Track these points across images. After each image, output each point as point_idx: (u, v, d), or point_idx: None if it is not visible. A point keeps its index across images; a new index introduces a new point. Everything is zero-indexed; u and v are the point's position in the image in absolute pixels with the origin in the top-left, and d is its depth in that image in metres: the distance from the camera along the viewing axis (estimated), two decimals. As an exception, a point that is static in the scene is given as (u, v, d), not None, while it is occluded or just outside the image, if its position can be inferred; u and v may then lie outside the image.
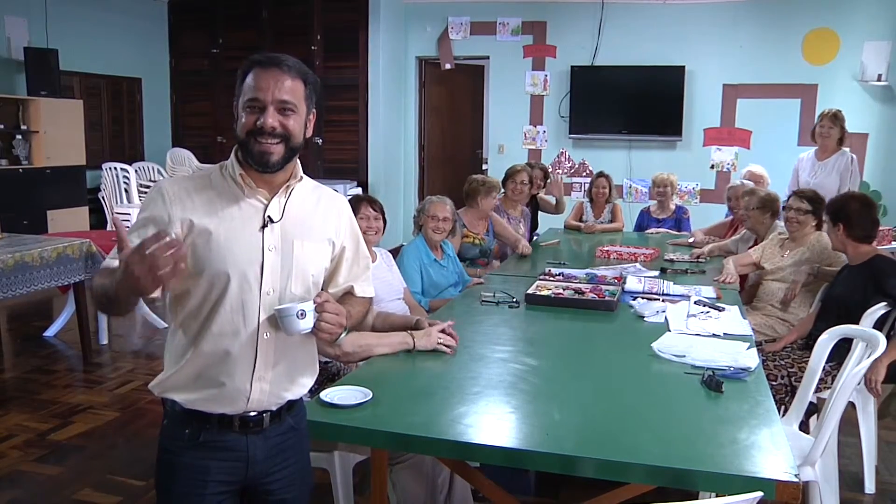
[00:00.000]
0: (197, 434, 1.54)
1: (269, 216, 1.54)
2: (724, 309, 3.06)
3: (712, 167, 7.86)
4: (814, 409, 2.98)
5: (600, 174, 5.83)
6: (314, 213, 1.63)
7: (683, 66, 7.63)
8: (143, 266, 1.26)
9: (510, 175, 5.19)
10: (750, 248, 4.20)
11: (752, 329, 2.91)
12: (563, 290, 3.32)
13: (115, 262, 1.42)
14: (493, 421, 1.92)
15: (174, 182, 1.55)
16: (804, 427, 2.83)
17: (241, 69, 1.53)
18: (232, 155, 1.58)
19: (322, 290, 1.65)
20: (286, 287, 1.55)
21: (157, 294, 1.45)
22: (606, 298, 3.17)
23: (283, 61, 1.51)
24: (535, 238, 5.35)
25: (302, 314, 1.49)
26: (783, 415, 2.76)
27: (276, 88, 1.49)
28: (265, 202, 1.56)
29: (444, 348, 2.40)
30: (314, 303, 1.52)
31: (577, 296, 3.23)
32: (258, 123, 1.49)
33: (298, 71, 1.53)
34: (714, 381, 2.13)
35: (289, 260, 1.56)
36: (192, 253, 1.48)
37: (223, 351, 1.52)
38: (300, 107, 1.53)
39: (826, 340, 2.68)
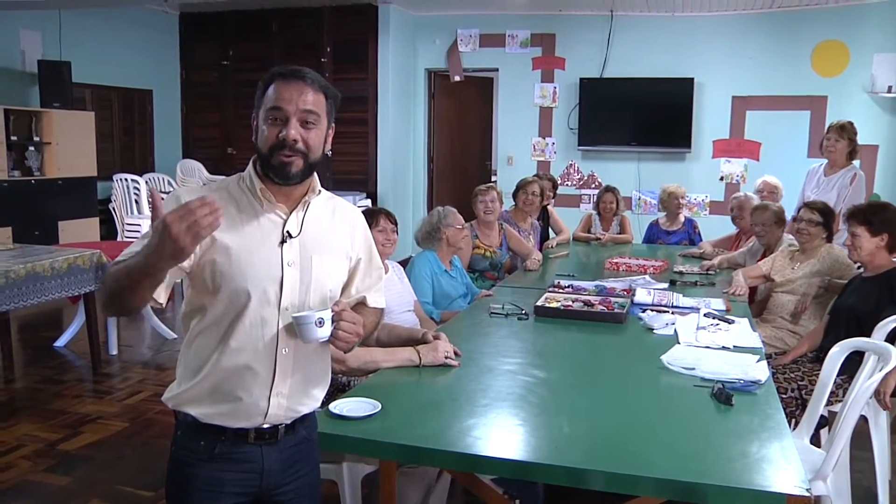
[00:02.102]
0: (212, 446, 1.54)
1: (287, 231, 1.54)
2: (733, 321, 3.05)
3: (721, 179, 7.85)
4: (825, 422, 2.96)
5: (607, 189, 5.83)
6: (330, 226, 1.63)
7: (692, 78, 7.64)
8: (183, 223, 1.24)
9: (522, 186, 5.20)
10: (758, 260, 4.18)
11: (762, 341, 2.90)
12: (573, 302, 3.32)
13: (136, 248, 1.41)
14: (501, 433, 1.92)
15: (191, 192, 1.51)
16: (815, 441, 2.81)
17: (262, 81, 1.53)
18: (250, 168, 1.57)
19: None
20: (304, 303, 1.55)
21: (161, 300, 1.45)
22: (616, 311, 3.17)
23: (305, 74, 1.51)
24: (544, 249, 5.34)
25: (320, 322, 1.49)
26: (794, 428, 2.74)
27: (300, 100, 1.49)
28: (284, 217, 1.55)
29: (452, 362, 2.40)
30: (332, 311, 1.52)
31: (586, 308, 3.23)
32: (281, 136, 1.48)
33: (321, 84, 1.53)
34: (724, 393, 2.12)
35: (307, 275, 1.55)
36: (211, 269, 1.48)
37: (241, 366, 1.51)
38: (322, 120, 1.53)
39: (837, 353, 2.67)
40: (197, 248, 1.45)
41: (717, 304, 3.41)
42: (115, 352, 5.00)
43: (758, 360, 2.49)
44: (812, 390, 2.82)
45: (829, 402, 2.85)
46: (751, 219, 4.35)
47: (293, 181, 1.53)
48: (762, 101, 7.59)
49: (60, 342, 5.17)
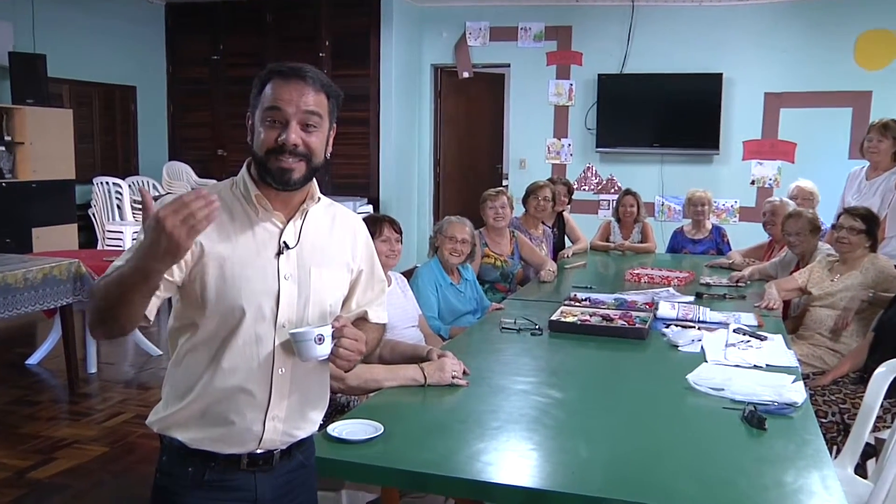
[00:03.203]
0: (201, 473, 1.54)
1: (284, 242, 1.55)
2: (766, 338, 3.04)
3: (753, 183, 7.84)
4: (872, 451, 2.93)
5: (627, 192, 5.85)
6: (330, 236, 1.63)
7: (721, 74, 7.65)
8: (177, 216, 1.25)
9: (532, 191, 5.21)
10: (793, 271, 4.17)
11: (798, 360, 2.90)
12: (590, 316, 3.32)
13: (123, 262, 1.40)
14: (514, 458, 1.92)
15: None
16: (861, 471, 2.78)
17: (259, 79, 1.53)
18: (244, 172, 1.57)
19: None
20: (303, 318, 1.55)
21: (151, 316, 1.46)
22: (637, 326, 3.16)
23: (306, 72, 1.51)
24: (559, 259, 5.34)
25: (320, 339, 1.49)
26: (835, 456, 2.73)
27: (300, 102, 1.49)
28: (281, 226, 1.56)
29: (459, 381, 2.41)
30: (332, 327, 1.52)
31: (604, 323, 3.22)
32: (280, 140, 1.48)
33: (322, 83, 1.53)
34: (756, 417, 2.12)
35: (306, 289, 1.56)
36: (202, 282, 1.48)
37: (234, 387, 1.51)
38: (323, 122, 1.54)
39: (883, 374, 2.65)
40: (189, 257, 1.46)
41: (748, 318, 3.40)
42: (93, 370, 5.00)
43: (794, 381, 2.48)
44: (855, 414, 2.81)
45: (875, 428, 2.83)
46: (782, 228, 4.34)
47: (294, 187, 1.53)
48: (798, 98, 7.58)
49: (33, 359, 5.18)
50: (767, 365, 2.70)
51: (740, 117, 7.75)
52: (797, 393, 2.34)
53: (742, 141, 7.82)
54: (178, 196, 1.28)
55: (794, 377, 2.53)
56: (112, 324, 1.40)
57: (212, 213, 1.28)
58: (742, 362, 2.72)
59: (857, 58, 7.39)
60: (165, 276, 1.41)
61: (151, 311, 1.45)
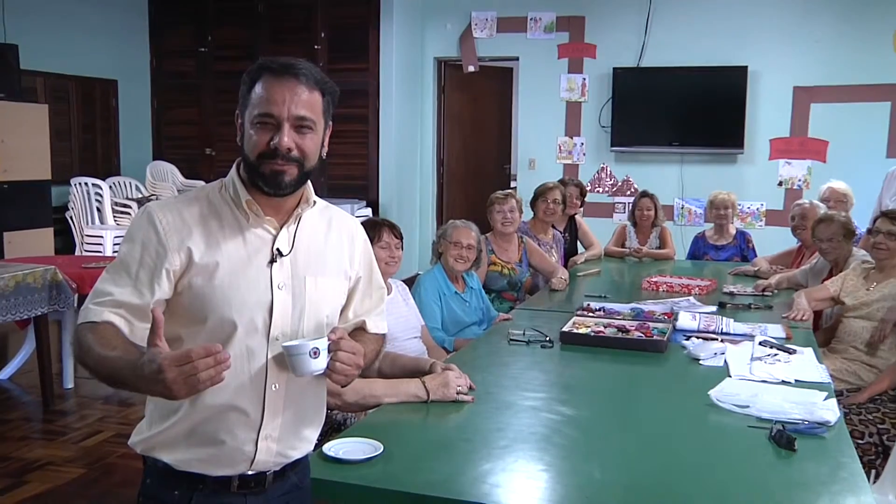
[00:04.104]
0: (188, 496, 1.54)
1: (277, 249, 1.55)
2: (795, 351, 3.04)
3: (780, 184, 7.83)
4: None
5: (644, 194, 5.85)
6: (326, 242, 1.64)
7: (746, 67, 7.64)
8: (180, 373, 1.28)
9: (540, 193, 5.22)
10: (824, 279, 4.17)
11: (831, 375, 2.89)
12: (605, 327, 3.32)
13: (113, 317, 1.43)
14: (523, 480, 1.92)
15: (166, 207, 1.53)
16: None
17: (248, 75, 1.54)
18: (233, 174, 1.58)
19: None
20: (297, 331, 1.56)
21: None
22: (655, 338, 3.17)
23: (298, 69, 1.51)
24: (571, 266, 5.34)
25: (315, 352, 1.49)
26: (873, 481, 2.72)
27: (293, 102, 1.49)
28: (273, 232, 1.57)
29: (464, 398, 2.41)
30: (329, 339, 1.52)
31: (620, 334, 3.23)
32: (272, 144, 1.49)
33: (316, 80, 1.54)
34: (784, 436, 2.11)
35: (300, 299, 1.57)
36: (190, 294, 1.49)
37: (224, 405, 1.51)
38: (318, 123, 1.54)
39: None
40: (176, 267, 1.48)
41: (776, 330, 3.40)
42: (70, 385, 5.00)
43: (826, 398, 2.48)
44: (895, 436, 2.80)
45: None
46: (813, 233, 4.34)
47: (286, 191, 1.54)
48: (830, 92, 7.56)
49: (4, 374, 5.17)
50: (797, 380, 2.69)
51: (767, 113, 7.74)
52: (830, 411, 2.33)
53: (769, 139, 7.81)
54: (185, 350, 1.30)
55: (826, 394, 2.53)
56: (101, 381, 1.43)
57: (218, 377, 1.32)
58: (769, 377, 2.72)
59: (897, 48, 7.39)
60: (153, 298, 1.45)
61: (144, 336, 1.46)
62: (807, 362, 2.93)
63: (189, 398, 1.49)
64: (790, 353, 3.01)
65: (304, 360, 1.49)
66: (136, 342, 1.43)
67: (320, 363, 1.50)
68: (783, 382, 2.67)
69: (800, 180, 7.76)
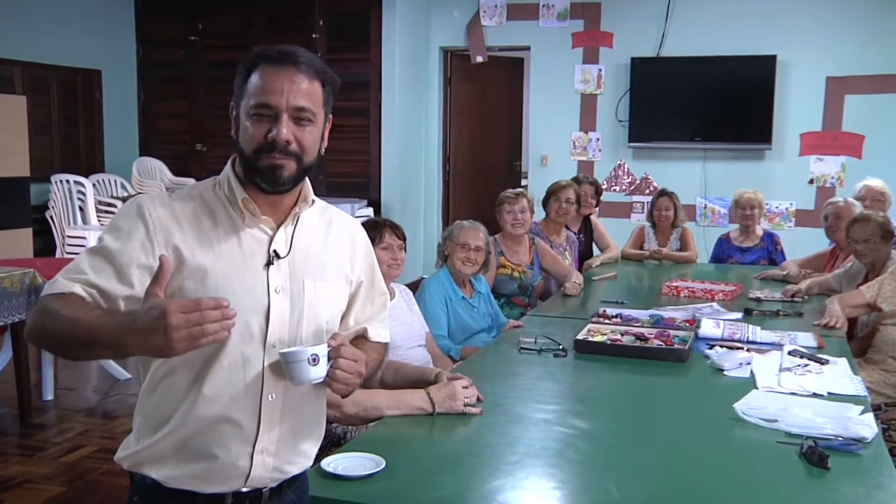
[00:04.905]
0: None
1: (274, 251, 1.56)
2: (827, 361, 3.04)
3: (811, 182, 7.82)
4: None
5: (662, 192, 5.87)
6: (325, 243, 1.65)
7: (774, 56, 7.63)
8: (186, 320, 1.27)
9: (553, 192, 5.23)
10: (859, 284, 4.16)
11: (867, 388, 2.88)
12: (622, 335, 3.32)
13: (83, 293, 1.42)
14: (534, 498, 1.93)
15: (157, 202, 1.53)
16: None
17: (243, 64, 1.55)
18: (228, 170, 1.59)
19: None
20: (296, 337, 1.56)
21: None
22: (676, 346, 3.17)
23: (297, 57, 1.52)
24: (585, 270, 5.33)
25: (314, 360, 1.50)
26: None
27: (291, 92, 1.50)
28: (270, 233, 1.57)
29: (472, 410, 2.41)
30: (328, 346, 1.53)
31: (638, 343, 3.23)
32: (270, 136, 1.50)
33: (316, 69, 1.54)
34: (817, 454, 2.11)
35: (299, 304, 1.57)
36: (182, 297, 1.47)
37: (218, 417, 1.51)
38: (318, 115, 1.55)
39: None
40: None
41: (806, 339, 3.40)
42: (50, 396, 5.01)
43: (861, 412, 2.47)
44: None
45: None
46: (847, 234, 4.33)
47: (284, 188, 1.54)
48: (866, 83, 7.54)
49: (-21, 385, 5.20)
50: (829, 393, 2.69)
51: (797, 106, 7.73)
52: (866, 426, 2.33)
53: (799, 133, 7.80)
54: (195, 299, 1.31)
55: (861, 408, 2.52)
56: (58, 354, 1.42)
57: (222, 334, 1.32)
58: (799, 389, 2.71)
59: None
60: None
61: None
62: (840, 374, 2.93)
63: (179, 410, 1.50)
64: (822, 364, 3.00)
65: (302, 367, 1.50)
66: None
67: (319, 371, 1.51)
68: (815, 395, 2.67)
69: (833, 178, 7.75)
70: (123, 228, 1.50)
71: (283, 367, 1.52)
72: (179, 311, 1.26)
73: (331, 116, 1.61)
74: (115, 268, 1.46)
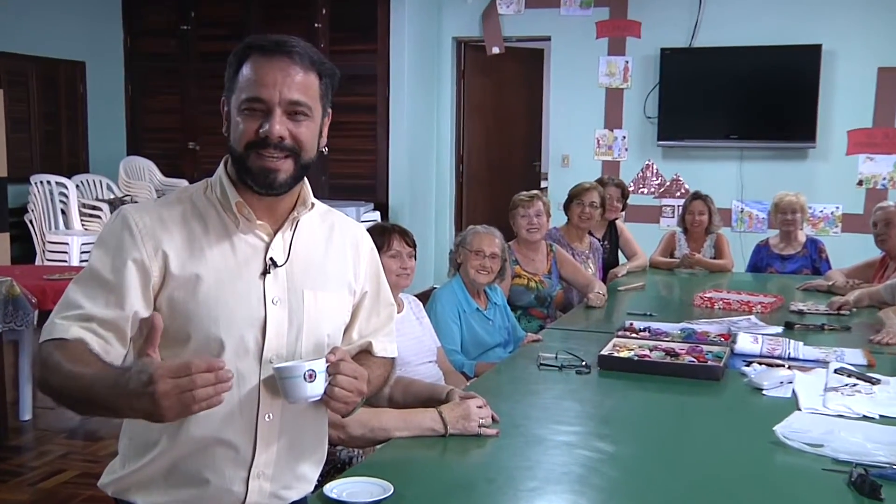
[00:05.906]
0: None
1: (271, 258, 1.57)
2: (879, 381, 3.01)
3: (860, 184, 7.80)
4: None
5: (696, 195, 5.86)
6: (327, 250, 1.66)
7: (819, 46, 7.62)
8: (175, 385, 1.27)
9: (575, 195, 5.22)
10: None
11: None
12: (650, 350, 3.31)
13: (84, 333, 1.43)
14: (555, 528, 1.91)
15: (141, 209, 1.55)
16: None
17: (234, 55, 1.56)
18: (221, 172, 1.60)
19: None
20: (294, 352, 1.57)
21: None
22: (710, 363, 3.15)
23: (291, 47, 1.53)
24: (610, 280, 5.32)
25: (310, 375, 1.50)
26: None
27: (285, 85, 1.51)
28: (266, 239, 1.58)
29: (488, 431, 2.41)
30: (327, 361, 1.53)
31: (668, 359, 3.22)
32: (261, 132, 1.50)
33: (312, 60, 1.55)
34: (868, 482, 2.09)
35: (298, 316, 1.58)
36: (171, 310, 1.50)
37: (209, 439, 1.52)
38: (315, 109, 1.56)
39: None
40: (155, 279, 1.48)
41: (855, 356, 3.37)
42: (28, 416, 5.02)
43: (916, 437, 2.46)
44: None
45: None
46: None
47: (279, 190, 1.55)
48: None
49: (-48, 404, 5.21)
50: (881, 416, 2.66)
51: (844, 100, 7.71)
52: (921, 452, 2.32)
53: (847, 130, 7.78)
54: (185, 361, 1.30)
55: (916, 432, 2.51)
56: (70, 410, 1.44)
57: (216, 399, 1.31)
58: (847, 411, 2.69)
59: None
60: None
61: (116, 361, 1.47)
62: (894, 394, 2.90)
63: (168, 431, 1.51)
64: (873, 384, 2.98)
65: (297, 383, 1.50)
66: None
67: (317, 388, 1.51)
68: (865, 418, 2.64)
69: (884, 179, 7.72)
70: (110, 243, 1.52)
71: (278, 384, 1.52)
72: (168, 376, 1.27)
73: (330, 111, 1.61)
74: (108, 290, 1.48)
